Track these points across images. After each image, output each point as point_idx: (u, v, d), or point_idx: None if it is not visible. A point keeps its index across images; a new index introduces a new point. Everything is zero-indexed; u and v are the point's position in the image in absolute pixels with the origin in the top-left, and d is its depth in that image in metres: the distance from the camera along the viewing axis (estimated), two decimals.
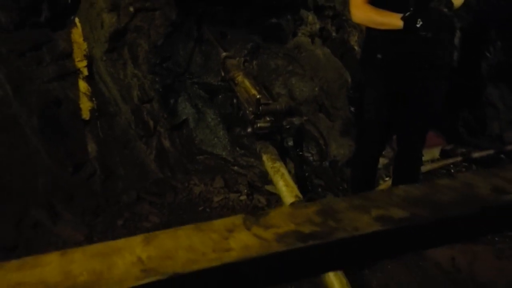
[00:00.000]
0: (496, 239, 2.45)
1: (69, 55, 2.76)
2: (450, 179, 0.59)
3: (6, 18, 2.46)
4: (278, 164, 2.15)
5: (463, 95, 3.36)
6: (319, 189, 2.97)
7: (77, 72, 2.79)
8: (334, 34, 3.30)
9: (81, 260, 0.52)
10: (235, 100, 2.41)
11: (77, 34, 2.83)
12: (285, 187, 2.04)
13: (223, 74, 2.55)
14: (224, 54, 2.62)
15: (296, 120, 2.15)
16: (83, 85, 2.85)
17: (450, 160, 3.23)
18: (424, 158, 3.18)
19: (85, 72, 2.81)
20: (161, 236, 0.54)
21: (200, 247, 0.52)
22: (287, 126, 2.12)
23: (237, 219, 0.57)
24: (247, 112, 2.19)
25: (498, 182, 0.64)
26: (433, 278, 2.20)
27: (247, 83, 2.32)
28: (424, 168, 3.06)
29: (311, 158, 3.22)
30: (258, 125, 2.06)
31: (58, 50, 2.73)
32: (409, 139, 2.23)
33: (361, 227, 0.55)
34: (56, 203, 2.67)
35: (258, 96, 2.07)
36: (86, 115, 2.87)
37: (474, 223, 0.60)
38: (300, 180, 2.46)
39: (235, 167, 2.98)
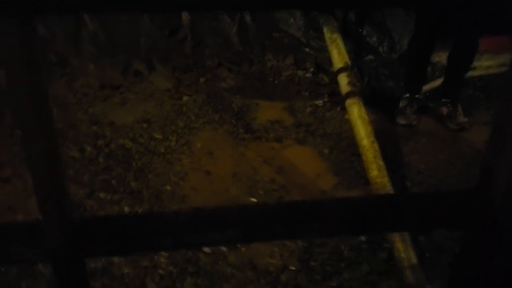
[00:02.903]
0: None
1: None
2: None
3: None
4: (336, 35, 2.44)
5: None
6: (383, 77, 3.20)
7: None
8: None
9: None
10: None
11: None
12: (337, 54, 2.35)
13: None
14: None
15: None
16: None
17: None
18: (493, 63, 3.24)
19: None
20: None
21: None
22: None
23: None
24: None
25: None
26: (462, 154, 2.43)
27: None
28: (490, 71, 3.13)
29: (381, 49, 3.41)
30: None
31: None
32: (467, 34, 2.38)
33: None
34: (153, 59, 3.22)
35: None
36: None
37: None
38: (357, 56, 2.73)
39: (307, 49, 3.28)
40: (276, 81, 3.14)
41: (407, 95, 2.69)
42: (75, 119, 2.71)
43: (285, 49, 3.31)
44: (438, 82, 2.96)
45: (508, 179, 1.13)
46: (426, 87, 2.94)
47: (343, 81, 2.20)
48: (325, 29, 2.47)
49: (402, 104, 2.69)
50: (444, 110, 2.67)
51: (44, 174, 1.04)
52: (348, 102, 2.15)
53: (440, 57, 3.33)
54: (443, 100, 2.68)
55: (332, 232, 1.28)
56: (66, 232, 1.09)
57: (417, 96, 2.71)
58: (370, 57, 3.32)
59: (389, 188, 1.85)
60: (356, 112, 2.10)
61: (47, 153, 1.02)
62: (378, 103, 2.85)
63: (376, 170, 1.89)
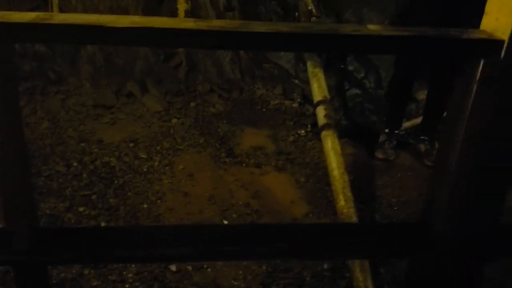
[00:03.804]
0: None
1: None
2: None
3: None
4: (317, 70, 2.55)
5: None
6: (367, 112, 3.30)
7: None
8: None
9: None
10: (296, 14, 2.79)
11: None
12: (317, 88, 2.45)
13: None
14: None
15: None
16: None
17: None
18: None
19: None
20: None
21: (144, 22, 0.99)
22: None
23: (189, 20, 1.02)
24: (301, 22, 2.58)
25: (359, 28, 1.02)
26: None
27: None
28: None
29: (368, 85, 3.52)
30: None
31: None
32: (442, 74, 2.50)
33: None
34: (147, 82, 3.34)
35: (309, 8, 2.45)
36: (181, 14, 3.44)
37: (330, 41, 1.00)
38: (339, 91, 2.84)
39: (295, 80, 3.40)
40: (263, 109, 3.25)
41: (387, 130, 2.78)
42: (65, 135, 2.80)
43: (275, 80, 3.43)
44: (419, 119, 3.06)
45: (445, 215, 1.21)
46: (407, 124, 3.03)
47: (321, 113, 2.30)
48: (308, 64, 2.59)
49: (381, 139, 2.78)
50: (422, 147, 2.75)
51: (12, 183, 1.12)
52: (323, 133, 2.24)
53: (425, 95, 3.44)
54: (422, 137, 2.77)
55: (277, 255, 1.35)
56: (30, 239, 1.16)
57: (396, 131, 2.80)
58: (357, 91, 3.43)
59: (354, 219, 1.91)
60: (330, 144, 2.19)
61: (16, 162, 1.11)
62: (360, 137, 2.95)
63: (343, 201, 1.96)
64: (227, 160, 2.67)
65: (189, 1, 3.39)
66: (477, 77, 1.04)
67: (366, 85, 3.52)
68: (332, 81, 2.89)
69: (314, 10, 2.47)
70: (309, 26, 1.05)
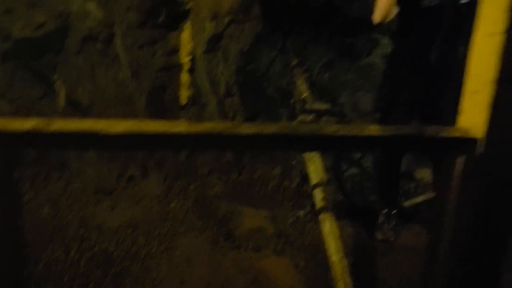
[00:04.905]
0: None
1: (177, 51, 3.51)
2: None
3: (133, 17, 3.28)
4: (313, 153, 2.60)
5: None
6: (366, 191, 3.32)
7: (181, 65, 3.53)
8: None
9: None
10: (292, 100, 2.92)
11: (186, 35, 3.57)
12: (314, 171, 2.49)
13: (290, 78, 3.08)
14: (294, 62, 3.15)
15: (334, 120, 2.59)
16: (184, 77, 3.58)
17: None
18: None
19: (188, 66, 3.54)
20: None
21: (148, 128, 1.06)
22: None
23: (182, 122, 1.09)
24: (296, 108, 2.70)
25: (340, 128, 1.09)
26: None
27: (303, 86, 2.82)
28: None
29: (365, 164, 3.58)
30: (299, 118, 2.54)
31: (169, 47, 3.49)
32: None
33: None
34: (148, 166, 3.41)
35: (304, 95, 2.57)
36: (183, 101, 3.59)
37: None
38: (336, 172, 2.88)
39: (293, 161, 3.47)
40: (262, 191, 3.28)
41: (385, 211, 2.79)
42: (65, 221, 2.82)
43: (273, 160, 3.50)
44: (419, 198, 3.08)
45: None
46: (407, 203, 3.05)
47: (318, 196, 2.33)
48: None
49: (380, 219, 2.78)
50: None
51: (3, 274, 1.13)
52: (321, 217, 2.25)
53: (424, 174, 3.48)
54: None
55: None
56: None
57: (394, 212, 2.80)
58: (355, 171, 3.48)
59: None
60: (328, 228, 2.19)
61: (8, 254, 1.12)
62: (359, 217, 2.95)
63: (343, 287, 1.93)
64: (225, 244, 2.66)
65: (191, 89, 3.55)
66: (455, 174, 1.08)
67: (363, 165, 3.58)
68: (329, 163, 2.95)
69: (308, 98, 2.58)
70: (295, 127, 1.11)
